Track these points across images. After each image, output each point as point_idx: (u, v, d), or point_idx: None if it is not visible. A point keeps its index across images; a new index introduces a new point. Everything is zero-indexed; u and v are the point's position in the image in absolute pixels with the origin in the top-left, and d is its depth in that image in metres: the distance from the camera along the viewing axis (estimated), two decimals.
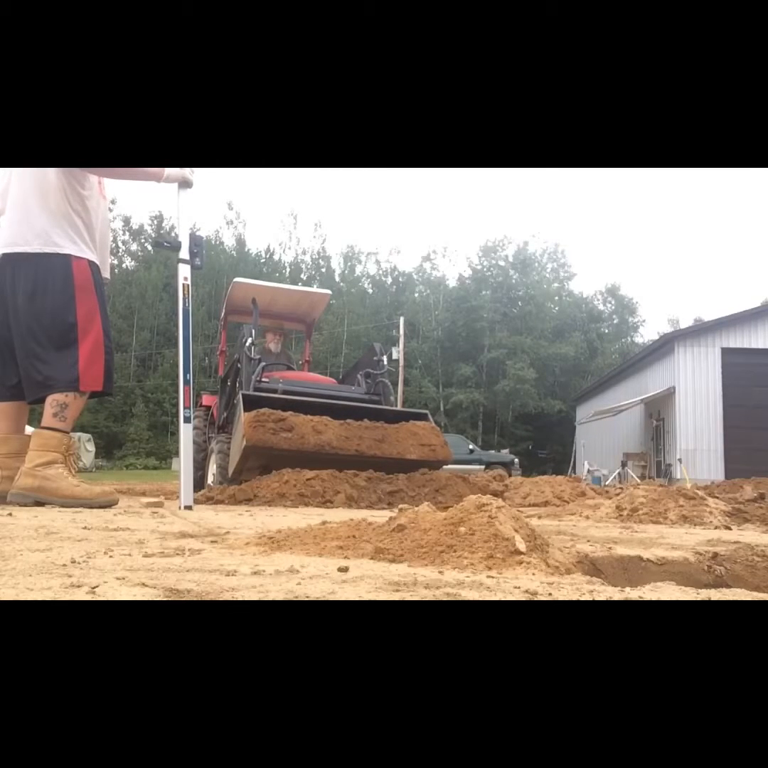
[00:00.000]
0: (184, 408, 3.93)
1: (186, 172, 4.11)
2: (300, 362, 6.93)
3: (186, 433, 3.95)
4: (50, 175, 3.51)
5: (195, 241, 4.11)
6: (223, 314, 7.12)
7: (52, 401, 3.50)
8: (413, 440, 4.55)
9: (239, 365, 5.29)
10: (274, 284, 6.85)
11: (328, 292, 7.08)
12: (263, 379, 4.97)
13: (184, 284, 4.02)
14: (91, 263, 3.68)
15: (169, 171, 4.01)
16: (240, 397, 4.31)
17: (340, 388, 5.81)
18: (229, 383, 5.77)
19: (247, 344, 5.11)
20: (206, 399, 6.83)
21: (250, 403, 4.22)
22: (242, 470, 4.38)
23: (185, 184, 4.12)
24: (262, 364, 5.11)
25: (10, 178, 3.55)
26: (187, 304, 4.05)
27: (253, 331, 5.51)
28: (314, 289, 5.67)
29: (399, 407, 5.51)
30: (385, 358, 5.64)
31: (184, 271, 4.04)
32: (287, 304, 6.61)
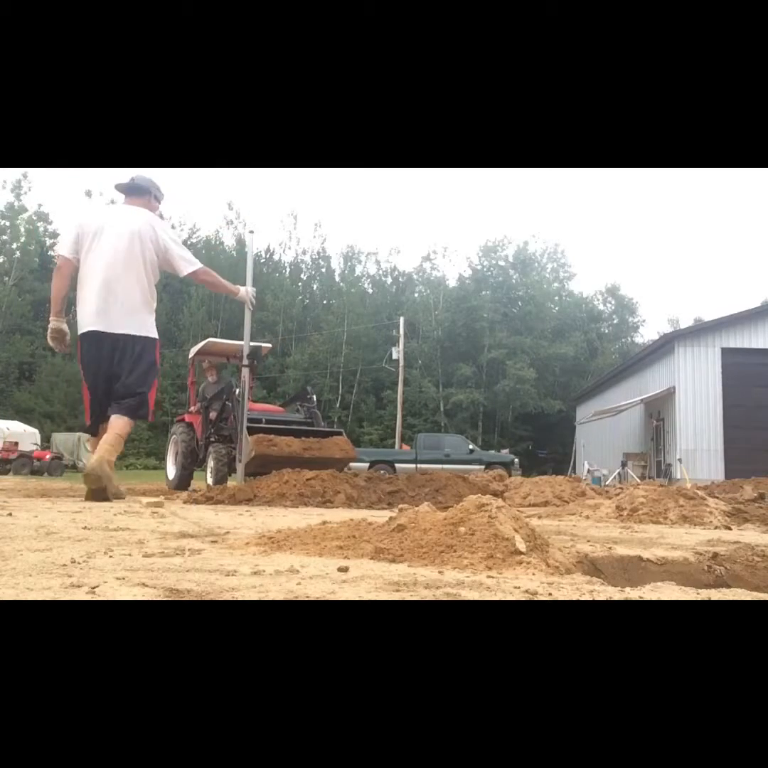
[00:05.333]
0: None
1: (251, 294, 5.74)
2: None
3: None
4: (149, 274, 4.66)
5: (254, 351, 6.56)
6: (192, 355, 9.69)
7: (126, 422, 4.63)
8: (336, 447, 7.63)
9: (228, 403, 8.09)
10: (231, 341, 9.85)
11: (270, 345, 10.37)
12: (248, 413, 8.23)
13: (245, 381, 6.41)
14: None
15: (242, 292, 5.66)
16: (246, 428, 7.06)
17: (290, 415, 9.05)
18: (212, 411, 8.55)
19: (237, 393, 7.60)
20: (189, 417, 9.14)
21: (251, 431, 7.12)
22: (249, 466, 7.11)
23: (251, 303, 5.79)
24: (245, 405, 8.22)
25: (121, 254, 4.52)
26: (243, 395, 6.36)
27: (233, 383, 8.27)
28: (261, 343, 8.76)
29: (325, 427, 8.84)
30: (315, 397, 9.08)
31: (245, 373, 6.39)
32: (239, 350, 9.57)
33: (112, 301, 4.51)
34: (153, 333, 4.75)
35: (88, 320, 4.59)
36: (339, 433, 8.25)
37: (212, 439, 8.31)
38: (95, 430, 4.73)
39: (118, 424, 4.48)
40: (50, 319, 4.71)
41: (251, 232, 7.20)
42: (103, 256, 4.50)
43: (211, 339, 10.15)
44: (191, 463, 8.69)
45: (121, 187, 5.02)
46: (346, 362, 42.09)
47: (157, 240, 4.63)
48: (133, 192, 4.88)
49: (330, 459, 7.25)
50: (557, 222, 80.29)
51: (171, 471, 9.04)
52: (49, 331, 4.72)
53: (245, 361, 6.22)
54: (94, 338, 4.58)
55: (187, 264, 4.80)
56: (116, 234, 4.53)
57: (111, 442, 4.38)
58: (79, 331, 4.66)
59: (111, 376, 4.58)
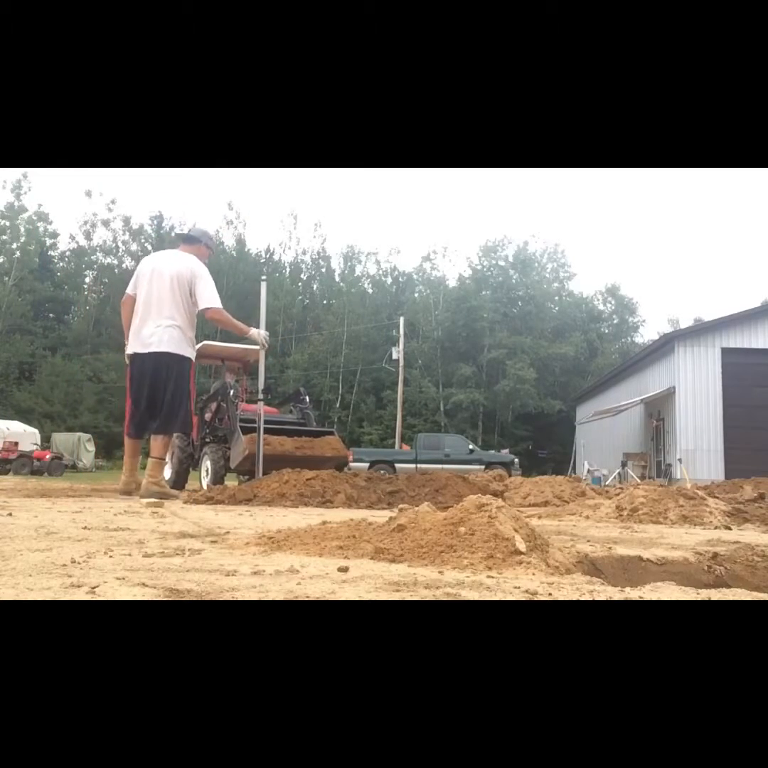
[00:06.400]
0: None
1: (264, 336, 6.37)
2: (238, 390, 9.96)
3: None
4: (187, 306, 5.60)
5: (268, 387, 7.33)
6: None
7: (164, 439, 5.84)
8: (328, 446, 7.93)
9: (223, 404, 8.34)
10: (226, 344, 10.41)
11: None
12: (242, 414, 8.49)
13: (260, 415, 6.95)
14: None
15: (253, 332, 6.23)
16: (238, 426, 7.57)
17: (284, 416, 9.46)
18: (207, 412, 8.84)
19: (232, 394, 8.17)
20: None
21: (244, 430, 7.54)
22: (243, 465, 7.40)
23: (262, 344, 6.44)
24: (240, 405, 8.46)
25: (165, 290, 5.55)
26: (259, 426, 6.87)
27: (228, 383, 8.72)
28: (254, 346, 8.42)
29: (317, 427, 9.25)
30: (308, 398, 9.43)
31: (260, 406, 7.00)
32: (235, 353, 10.00)
33: (157, 327, 5.55)
34: (192, 355, 5.75)
35: (133, 344, 5.64)
36: (331, 433, 8.66)
37: (208, 440, 8.50)
38: (137, 434, 5.77)
39: (158, 448, 5.66)
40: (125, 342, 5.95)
41: (263, 279, 7.62)
42: (148, 292, 5.63)
43: (206, 342, 10.55)
44: (187, 463, 8.92)
45: (179, 236, 6.34)
46: (346, 362, 42.04)
47: (191, 279, 5.65)
48: (187, 240, 6.06)
49: (321, 457, 7.55)
50: (557, 222, 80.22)
51: (167, 471, 9.15)
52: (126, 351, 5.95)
53: (260, 395, 7.13)
54: (137, 359, 5.59)
55: (203, 301, 5.66)
56: (160, 275, 5.66)
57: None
58: (128, 351, 5.69)
59: (153, 391, 5.56)
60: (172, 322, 5.54)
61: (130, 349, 5.66)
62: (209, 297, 5.61)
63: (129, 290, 5.85)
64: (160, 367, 5.52)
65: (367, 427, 40.63)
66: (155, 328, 5.53)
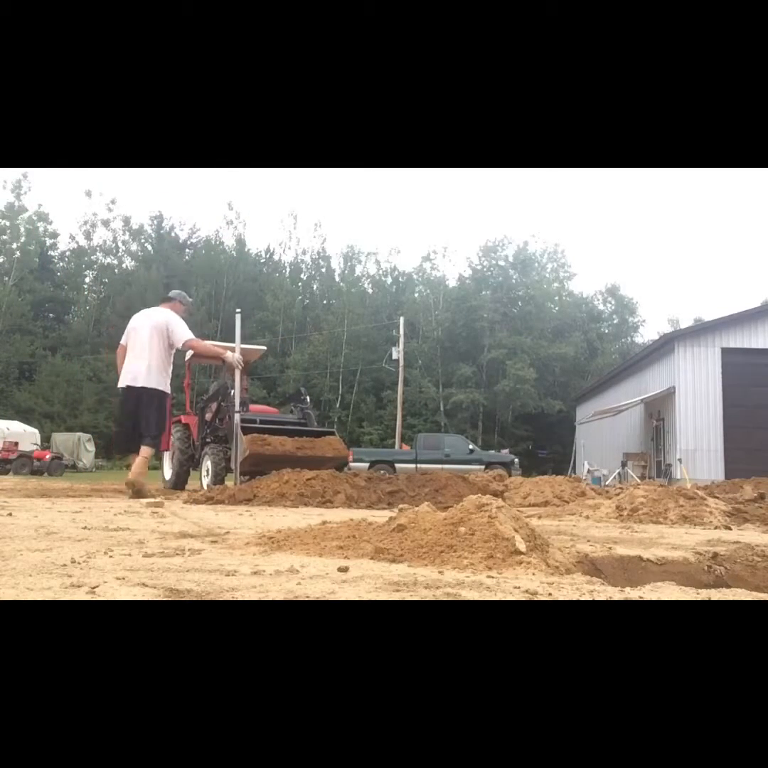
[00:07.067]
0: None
1: (238, 359, 7.35)
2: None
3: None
4: (165, 351, 6.81)
5: (244, 401, 7.81)
6: (188, 359, 9.88)
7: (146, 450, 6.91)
8: (328, 446, 8.00)
9: (223, 404, 8.53)
10: (227, 344, 10.38)
11: (264, 348, 11.13)
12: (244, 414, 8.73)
13: (238, 425, 7.51)
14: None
15: (228, 355, 7.46)
16: (239, 427, 7.65)
17: (284, 416, 9.68)
18: (207, 412, 8.94)
19: (232, 394, 8.18)
20: (185, 418, 9.44)
21: (245, 431, 7.70)
22: (243, 465, 7.51)
23: (237, 364, 7.32)
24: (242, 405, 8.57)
25: (145, 339, 6.77)
26: (237, 435, 7.44)
27: (229, 384, 8.74)
28: (254, 346, 9.09)
29: (318, 427, 9.35)
30: (308, 397, 9.57)
31: (237, 418, 7.48)
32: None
33: (140, 367, 6.76)
34: (166, 389, 6.89)
35: (125, 379, 6.86)
36: (331, 433, 8.79)
37: (208, 440, 8.54)
38: (124, 450, 6.71)
39: (144, 452, 6.73)
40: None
41: (238, 312, 8.09)
42: (136, 341, 6.92)
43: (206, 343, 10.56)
44: (188, 463, 8.94)
45: (162, 298, 7.62)
46: (346, 362, 42.02)
47: (169, 328, 6.94)
48: (166, 300, 7.45)
49: (322, 458, 7.63)
50: (557, 222, 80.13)
51: (168, 472, 9.19)
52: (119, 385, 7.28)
53: (237, 408, 7.50)
54: (128, 391, 6.78)
55: (180, 338, 6.90)
56: (143, 328, 6.95)
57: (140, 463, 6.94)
58: (119, 385, 6.95)
59: (138, 415, 6.69)
60: (153, 364, 6.88)
61: (122, 383, 6.92)
62: (183, 333, 6.96)
63: (122, 341, 7.25)
64: (143, 397, 6.80)
65: (367, 427, 40.61)
66: (140, 368, 6.87)
